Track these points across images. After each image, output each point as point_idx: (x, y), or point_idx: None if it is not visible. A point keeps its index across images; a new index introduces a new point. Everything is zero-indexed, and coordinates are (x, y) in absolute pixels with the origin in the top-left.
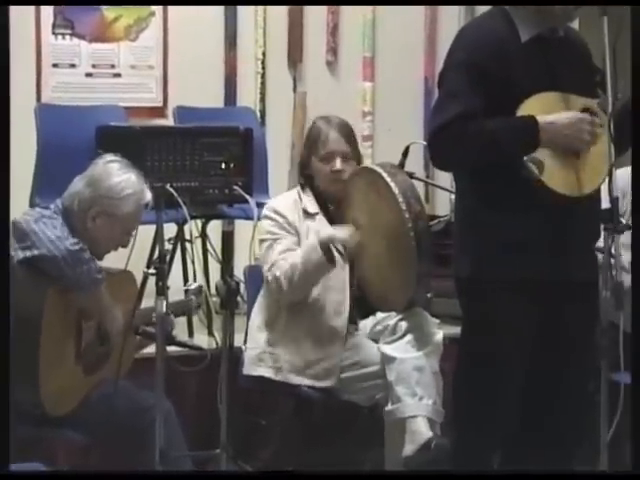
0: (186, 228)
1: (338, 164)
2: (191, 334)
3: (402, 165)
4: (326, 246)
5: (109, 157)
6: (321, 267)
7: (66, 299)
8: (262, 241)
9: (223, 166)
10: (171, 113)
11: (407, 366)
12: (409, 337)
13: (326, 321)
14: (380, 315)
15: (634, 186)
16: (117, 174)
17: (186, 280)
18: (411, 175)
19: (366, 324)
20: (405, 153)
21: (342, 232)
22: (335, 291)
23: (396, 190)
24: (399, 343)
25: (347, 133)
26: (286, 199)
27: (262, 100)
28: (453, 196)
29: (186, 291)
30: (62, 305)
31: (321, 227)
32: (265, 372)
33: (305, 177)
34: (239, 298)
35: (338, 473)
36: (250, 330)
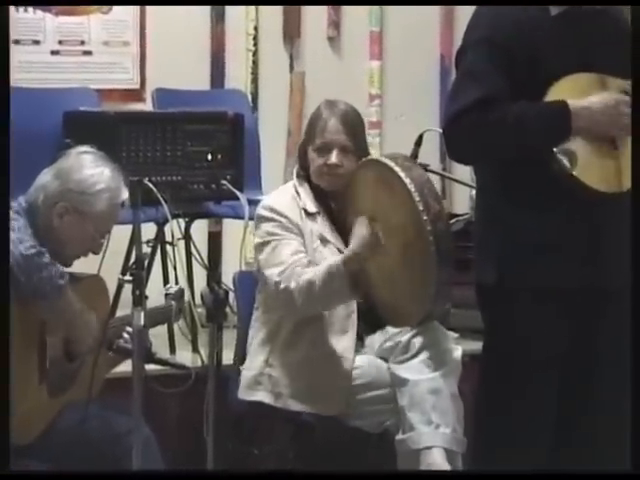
0: (167, 228)
1: (333, 157)
2: (173, 350)
3: (415, 156)
4: (352, 269)
5: (83, 148)
6: (344, 294)
7: (26, 310)
8: (263, 244)
9: (209, 157)
10: (149, 96)
11: (421, 389)
12: (424, 355)
13: (331, 339)
14: (390, 330)
15: (634, 185)
16: (90, 166)
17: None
18: (426, 168)
19: (374, 340)
20: (418, 142)
21: (359, 239)
22: (341, 305)
23: (411, 186)
24: (412, 362)
25: (351, 123)
26: (283, 196)
27: (254, 82)
28: (473, 192)
29: (166, 295)
30: (21, 317)
31: (332, 248)
32: (264, 397)
33: (302, 169)
34: (228, 309)
35: (338, 473)
36: (249, 349)
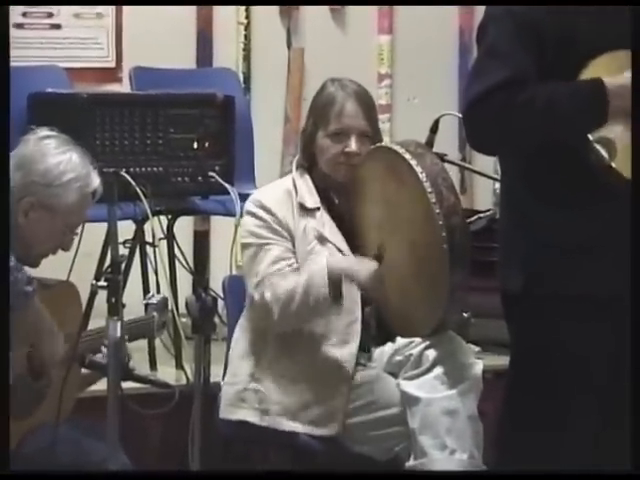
0: (147, 227)
1: (354, 144)
2: (154, 366)
3: (430, 144)
4: (337, 281)
5: (43, 132)
6: (324, 304)
7: None
8: (245, 246)
9: (195, 145)
10: (127, 76)
11: (435, 409)
12: (438, 370)
13: (329, 349)
14: (401, 341)
15: (634, 184)
16: (54, 154)
17: (147, 294)
18: (442, 157)
19: (382, 353)
20: (434, 129)
21: (362, 269)
22: (342, 312)
23: (423, 175)
24: (425, 379)
25: (368, 106)
26: (276, 190)
27: (246, 59)
28: (497, 185)
29: (146, 306)
30: None
31: (331, 249)
32: (248, 415)
33: (308, 158)
34: (216, 319)
35: (338, 473)
36: (230, 360)
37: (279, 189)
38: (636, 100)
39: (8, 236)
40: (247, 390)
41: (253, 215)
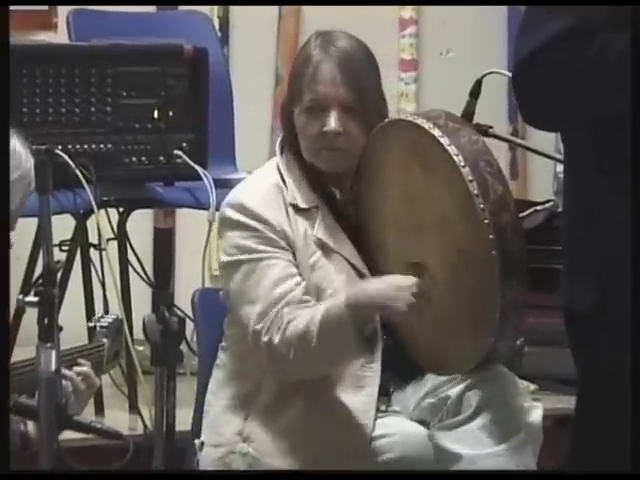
0: (91, 223)
1: (333, 121)
2: (101, 409)
3: (470, 114)
4: (364, 321)
5: None
6: (353, 354)
7: None
8: (230, 266)
9: (155, 115)
10: (64, 22)
11: (481, 468)
12: (483, 418)
13: (340, 396)
14: (432, 380)
15: (634, 185)
16: None
17: (91, 313)
18: (486, 131)
19: (408, 396)
20: (475, 93)
21: (400, 295)
22: None
23: (459, 159)
24: (467, 429)
25: (354, 67)
26: (260, 186)
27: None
28: (560, 168)
29: (93, 329)
30: None
31: (337, 260)
32: None
33: (289, 140)
34: (184, 346)
35: (338, 473)
36: (209, 411)
37: (264, 185)
38: (636, 105)
39: (8, 235)
40: (234, 453)
41: (237, 226)
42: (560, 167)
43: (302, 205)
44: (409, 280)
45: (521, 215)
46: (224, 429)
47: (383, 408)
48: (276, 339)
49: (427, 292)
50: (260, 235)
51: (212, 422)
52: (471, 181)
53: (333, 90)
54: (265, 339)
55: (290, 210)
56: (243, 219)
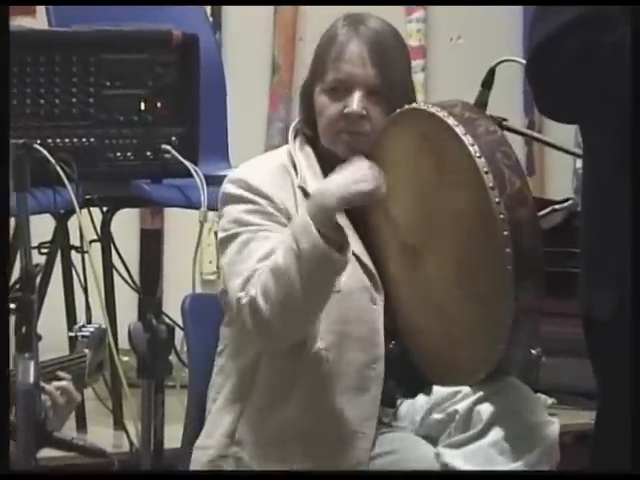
0: (72, 224)
1: (356, 102)
2: (83, 426)
3: (482, 105)
4: (329, 217)
5: None
6: (324, 261)
7: None
8: (226, 241)
9: (142, 106)
10: (43, 7)
11: None
12: (494, 435)
13: (337, 400)
14: (440, 392)
15: (634, 185)
16: None
17: (72, 320)
18: (500, 124)
19: (414, 408)
20: (488, 82)
21: (361, 174)
22: (358, 345)
23: (474, 150)
24: (477, 446)
25: (384, 49)
26: (266, 165)
27: None
28: (579, 163)
29: (74, 339)
30: None
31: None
32: None
33: (310, 122)
34: (173, 357)
35: (338, 473)
36: (207, 416)
37: (270, 164)
38: (636, 105)
39: (8, 236)
40: (223, 458)
41: (238, 199)
42: (579, 163)
43: (311, 190)
44: (371, 165)
45: (539, 214)
46: (215, 430)
47: (387, 421)
48: (254, 291)
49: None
50: (259, 209)
51: (207, 426)
52: (487, 173)
53: (359, 70)
54: (245, 301)
55: (298, 193)
56: (244, 194)
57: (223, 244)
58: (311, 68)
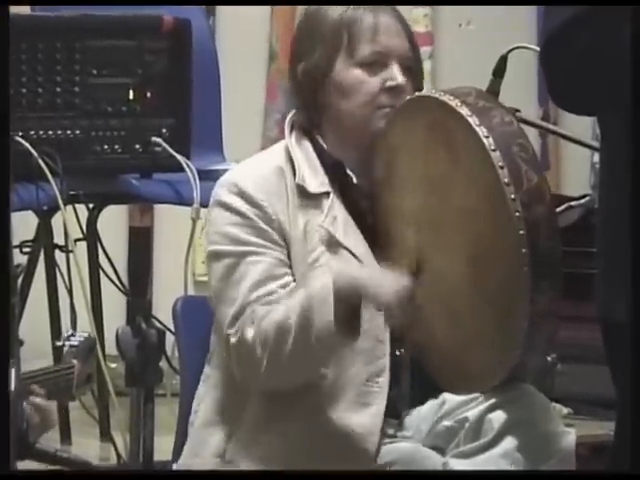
0: (57, 221)
1: (399, 75)
2: (67, 437)
3: (495, 94)
4: (350, 304)
5: None
6: (332, 342)
7: None
8: (214, 257)
9: (131, 96)
10: None
11: None
12: (506, 445)
13: (339, 416)
14: (449, 401)
15: (634, 185)
16: None
17: (57, 324)
18: (513, 114)
19: (421, 416)
20: (499, 70)
21: (385, 286)
22: (361, 359)
23: (489, 142)
24: (486, 457)
25: (408, 27)
26: (261, 168)
27: None
28: (597, 157)
29: (59, 349)
30: None
31: (346, 257)
32: None
33: (311, 113)
34: (164, 363)
35: (338, 473)
36: (191, 428)
37: (265, 166)
38: (636, 105)
39: (8, 235)
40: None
41: (228, 207)
42: (597, 157)
43: (311, 189)
44: (400, 277)
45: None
46: (203, 448)
47: (391, 432)
48: (249, 334)
49: (413, 295)
50: (250, 224)
51: (191, 439)
52: (502, 167)
53: (397, 41)
54: (234, 340)
55: (292, 198)
56: (236, 203)
57: (210, 259)
58: (321, 51)
